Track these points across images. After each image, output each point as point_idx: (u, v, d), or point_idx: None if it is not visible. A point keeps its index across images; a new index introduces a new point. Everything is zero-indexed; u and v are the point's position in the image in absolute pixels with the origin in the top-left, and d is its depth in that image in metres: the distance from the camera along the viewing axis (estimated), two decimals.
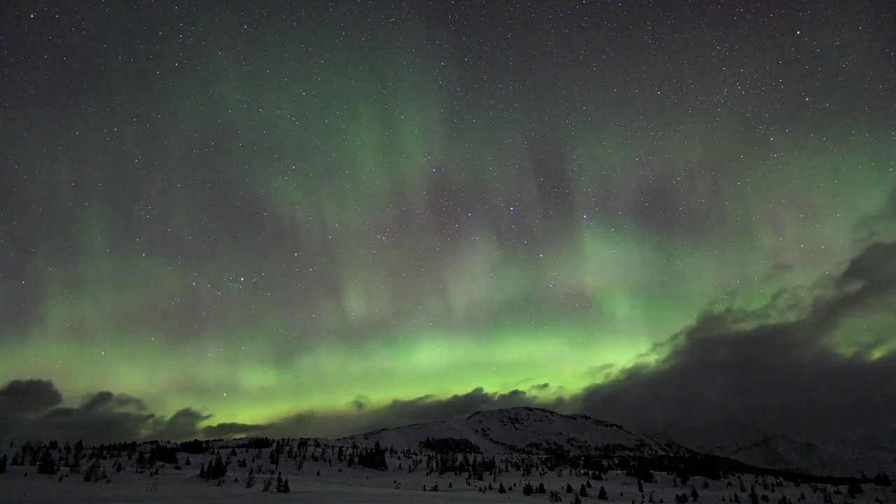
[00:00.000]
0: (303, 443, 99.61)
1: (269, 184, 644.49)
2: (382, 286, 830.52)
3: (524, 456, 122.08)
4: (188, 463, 63.98)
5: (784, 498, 50.30)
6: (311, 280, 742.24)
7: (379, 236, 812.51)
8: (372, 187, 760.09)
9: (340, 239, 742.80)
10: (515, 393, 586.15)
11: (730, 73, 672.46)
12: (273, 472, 57.72)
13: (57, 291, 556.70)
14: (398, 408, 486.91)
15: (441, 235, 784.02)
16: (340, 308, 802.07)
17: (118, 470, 46.78)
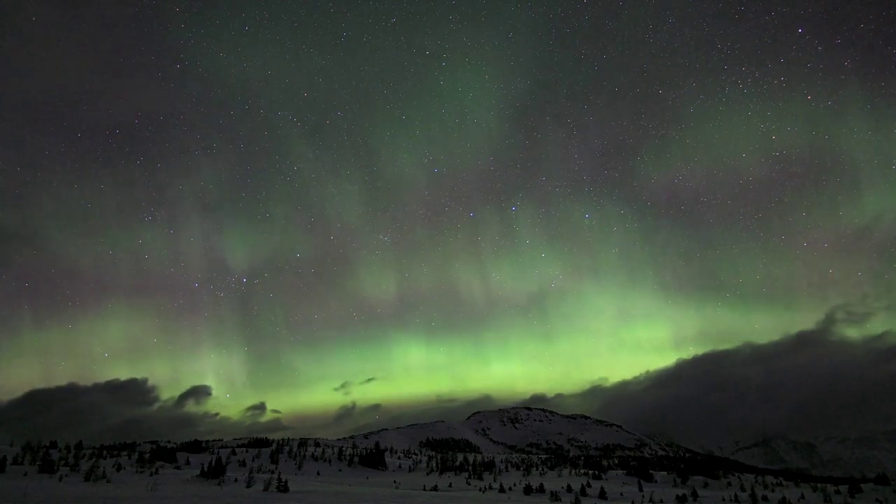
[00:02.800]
0: (303, 442, 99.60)
1: (270, 185, 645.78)
2: (384, 286, 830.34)
3: (524, 456, 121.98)
4: (188, 463, 63.89)
5: (784, 498, 50.26)
6: (314, 281, 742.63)
7: (381, 236, 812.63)
8: (374, 188, 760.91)
9: (343, 239, 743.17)
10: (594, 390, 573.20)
11: (731, 72, 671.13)
12: (273, 472, 57.68)
13: (64, 295, 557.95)
14: (490, 403, 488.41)
15: (443, 235, 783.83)
16: (343, 309, 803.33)
17: (118, 470, 46.71)
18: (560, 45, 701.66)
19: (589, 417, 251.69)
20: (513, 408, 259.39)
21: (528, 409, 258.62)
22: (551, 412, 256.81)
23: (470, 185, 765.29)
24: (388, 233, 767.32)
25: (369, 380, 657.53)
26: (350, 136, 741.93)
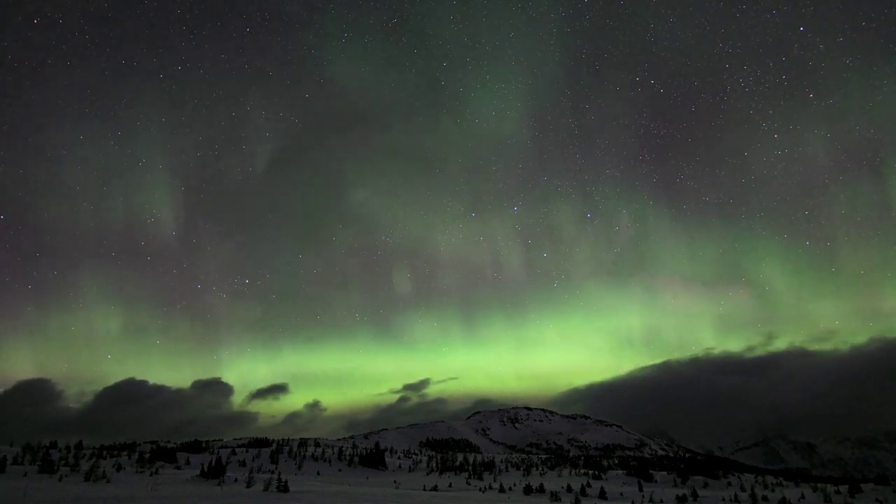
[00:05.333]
0: (303, 443, 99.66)
1: (271, 187, 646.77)
2: (386, 288, 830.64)
3: (524, 456, 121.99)
4: (188, 463, 63.95)
5: (784, 498, 50.27)
6: (315, 281, 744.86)
7: (383, 237, 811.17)
8: (375, 189, 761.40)
9: (344, 240, 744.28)
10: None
11: (733, 71, 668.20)
12: (273, 472, 57.69)
13: (61, 299, 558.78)
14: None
15: (445, 236, 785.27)
16: (345, 310, 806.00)
17: (118, 470, 46.76)
18: (560, 45, 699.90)
19: (589, 417, 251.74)
20: (513, 408, 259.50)
21: (528, 409, 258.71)
22: (551, 412, 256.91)
23: (471, 185, 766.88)
24: (390, 234, 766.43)
25: (451, 378, 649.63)
26: (350, 137, 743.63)
